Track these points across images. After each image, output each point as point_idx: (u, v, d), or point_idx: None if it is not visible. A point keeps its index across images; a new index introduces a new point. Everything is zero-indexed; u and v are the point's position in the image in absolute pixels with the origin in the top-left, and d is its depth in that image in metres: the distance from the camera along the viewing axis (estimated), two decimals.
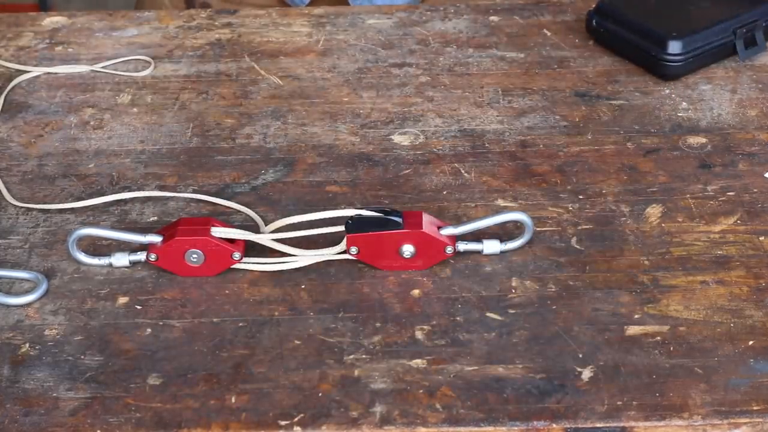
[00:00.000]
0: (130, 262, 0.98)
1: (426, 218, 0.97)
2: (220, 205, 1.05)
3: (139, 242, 0.97)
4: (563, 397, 0.86)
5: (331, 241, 0.99)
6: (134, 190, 1.07)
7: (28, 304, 0.94)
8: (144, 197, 1.06)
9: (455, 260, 0.98)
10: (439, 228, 0.97)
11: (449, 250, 0.97)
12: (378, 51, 1.27)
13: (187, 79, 1.23)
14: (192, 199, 1.06)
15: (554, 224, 1.02)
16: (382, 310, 0.94)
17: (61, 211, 1.05)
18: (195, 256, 0.96)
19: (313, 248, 0.99)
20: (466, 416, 0.84)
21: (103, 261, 0.98)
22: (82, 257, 0.98)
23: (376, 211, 0.97)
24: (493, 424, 0.84)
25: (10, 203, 1.06)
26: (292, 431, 0.84)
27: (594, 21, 1.26)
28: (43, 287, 0.95)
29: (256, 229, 1.01)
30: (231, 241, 0.97)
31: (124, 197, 1.05)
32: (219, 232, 0.97)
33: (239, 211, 1.04)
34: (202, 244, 0.96)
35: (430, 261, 0.97)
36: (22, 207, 1.05)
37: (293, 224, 1.00)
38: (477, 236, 0.99)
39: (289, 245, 0.98)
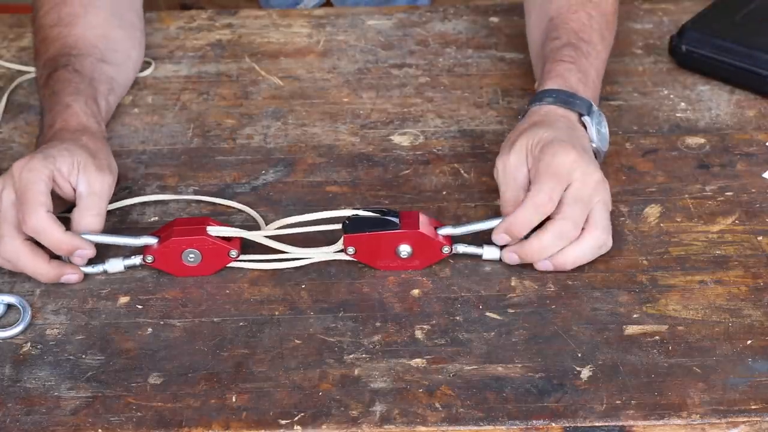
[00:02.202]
0: (125, 267, 0.97)
1: (423, 218, 0.97)
2: (221, 205, 1.05)
3: (134, 245, 0.97)
4: (562, 397, 0.86)
5: (330, 240, 0.99)
6: (135, 191, 1.07)
7: (13, 337, 0.93)
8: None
9: (455, 260, 0.98)
10: (436, 228, 0.98)
11: (446, 250, 0.97)
12: (378, 52, 1.27)
13: (187, 79, 1.24)
14: (192, 200, 1.06)
15: None
16: (382, 309, 0.94)
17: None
18: (192, 255, 0.96)
19: (312, 247, 0.99)
20: (466, 415, 0.85)
21: (97, 269, 0.97)
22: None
23: (373, 212, 0.97)
24: (492, 423, 0.84)
25: None
26: (292, 430, 0.84)
27: (683, 46, 1.19)
28: (27, 318, 0.93)
29: (256, 229, 1.01)
30: (227, 239, 0.97)
31: (125, 204, 1.05)
32: (215, 230, 0.97)
33: (240, 211, 1.04)
34: (198, 244, 0.96)
35: (427, 261, 0.97)
36: None
37: (293, 224, 1.00)
38: (477, 238, 0.99)
39: (285, 243, 0.98)
